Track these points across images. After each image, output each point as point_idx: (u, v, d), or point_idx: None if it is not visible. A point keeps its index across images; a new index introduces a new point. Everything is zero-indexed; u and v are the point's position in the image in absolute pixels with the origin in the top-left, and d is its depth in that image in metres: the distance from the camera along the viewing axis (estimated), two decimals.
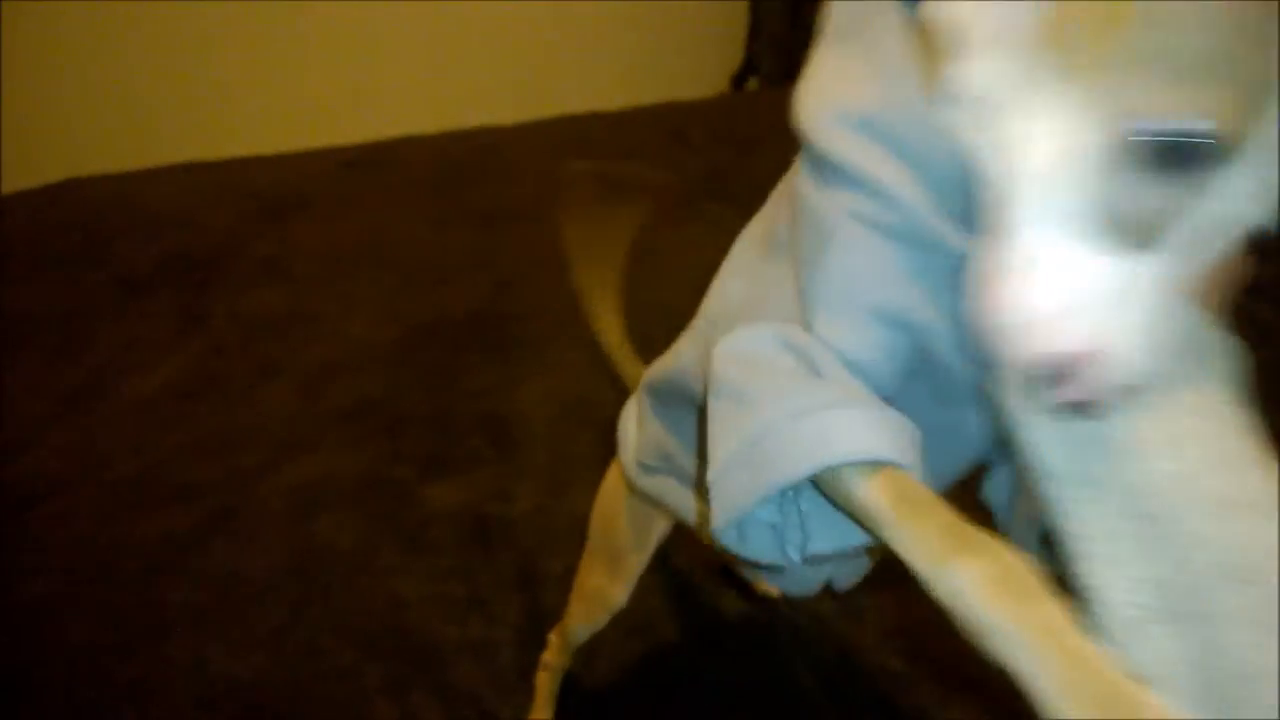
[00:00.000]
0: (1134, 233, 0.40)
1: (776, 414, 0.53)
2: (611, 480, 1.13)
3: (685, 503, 0.87)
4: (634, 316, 2.01)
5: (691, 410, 0.79)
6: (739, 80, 3.73)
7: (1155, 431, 0.44)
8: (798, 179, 0.61)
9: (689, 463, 0.84)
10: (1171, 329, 0.42)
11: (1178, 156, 0.38)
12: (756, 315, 0.62)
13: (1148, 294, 0.41)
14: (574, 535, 1.59)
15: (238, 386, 1.77)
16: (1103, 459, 0.44)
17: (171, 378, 1.80)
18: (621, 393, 1.84)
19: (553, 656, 1.28)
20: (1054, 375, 0.43)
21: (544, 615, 1.44)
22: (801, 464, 0.52)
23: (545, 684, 1.29)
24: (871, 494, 0.50)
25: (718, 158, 2.49)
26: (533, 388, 1.81)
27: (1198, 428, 0.44)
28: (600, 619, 1.13)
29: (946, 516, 0.48)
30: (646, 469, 0.93)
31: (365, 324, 1.92)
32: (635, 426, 1.00)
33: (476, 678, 1.36)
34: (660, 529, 1.04)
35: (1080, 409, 0.43)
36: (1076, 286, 0.41)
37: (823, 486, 0.54)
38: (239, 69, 3.00)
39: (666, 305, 1.89)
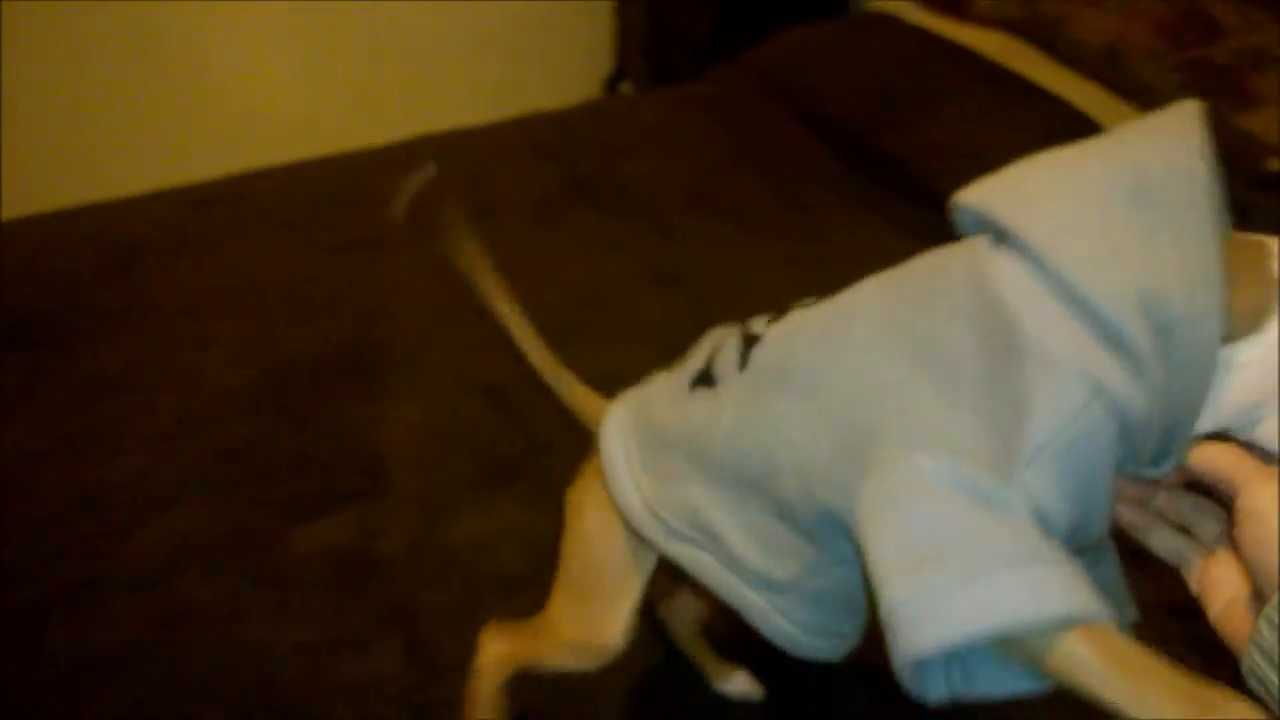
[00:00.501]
0: None
1: (975, 561, 0.57)
2: (591, 509, 1.01)
3: (724, 583, 0.83)
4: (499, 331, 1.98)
5: (770, 510, 0.79)
6: (612, 85, 3.73)
7: None
8: (1011, 305, 0.63)
9: (741, 551, 0.81)
10: None
11: None
12: (927, 441, 0.64)
13: None
14: (453, 565, 1.56)
15: (87, 448, 1.68)
16: None
17: (16, 442, 1.70)
18: (496, 407, 1.84)
19: (498, 667, 1.14)
20: None
21: (424, 648, 1.40)
22: (1004, 616, 0.55)
23: (488, 697, 1.15)
24: (1078, 650, 0.55)
25: (583, 166, 2.48)
26: (401, 417, 1.77)
27: None
28: (588, 665, 1.02)
29: (1165, 670, 0.53)
30: (673, 534, 0.87)
31: (223, 370, 1.85)
32: (635, 467, 0.93)
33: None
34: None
35: None
36: None
37: (1006, 639, 0.57)
38: (79, 110, 2.87)
39: (535, 318, 1.89)
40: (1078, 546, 0.65)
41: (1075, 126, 2.25)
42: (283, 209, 2.26)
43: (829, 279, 2.14)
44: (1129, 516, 0.65)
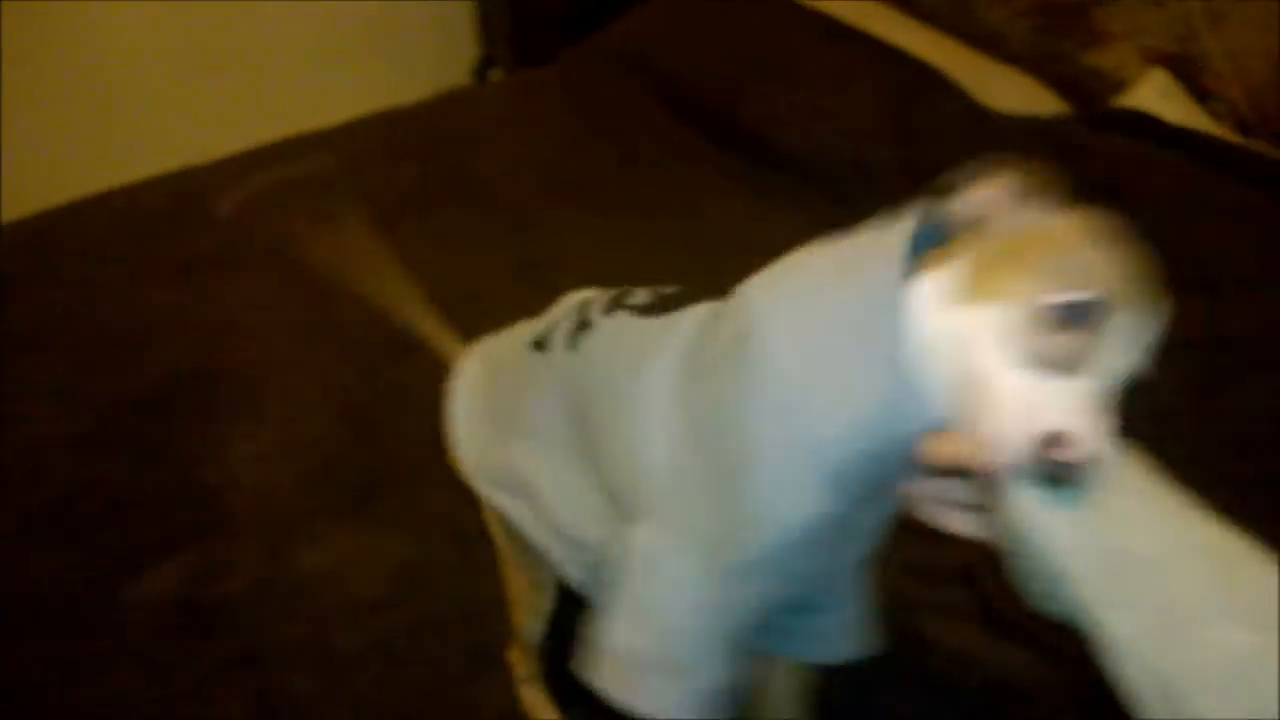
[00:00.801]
0: (1072, 366, 0.61)
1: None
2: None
3: (541, 538, 0.97)
4: (369, 327, 1.89)
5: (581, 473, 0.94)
6: (481, 72, 3.62)
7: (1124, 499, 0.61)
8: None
9: (552, 507, 0.95)
10: (1105, 425, 0.61)
11: (1077, 317, 0.61)
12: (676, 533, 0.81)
13: (1087, 402, 0.61)
14: (303, 596, 1.48)
15: None
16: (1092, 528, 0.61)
17: None
18: (350, 426, 1.74)
19: (523, 669, 1.25)
20: (1044, 448, 0.59)
21: (273, 693, 1.32)
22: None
23: (534, 697, 1.25)
24: None
25: (439, 161, 2.38)
26: (244, 447, 1.67)
27: (1149, 491, 0.62)
28: (543, 606, 1.13)
29: None
30: (499, 485, 1.02)
31: (50, 413, 1.73)
32: (475, 420, 1.09)
33: None
34: None
35: (1063, 476, 0.59)
36: (1042, 401, 0.61)
37: None
38: None
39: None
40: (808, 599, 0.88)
41: (928, 82, 2.24)
42: (115, 236, 2.12)
43: (695, 255, 2.10)
44: (928, 510, 0.72)
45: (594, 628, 0.86)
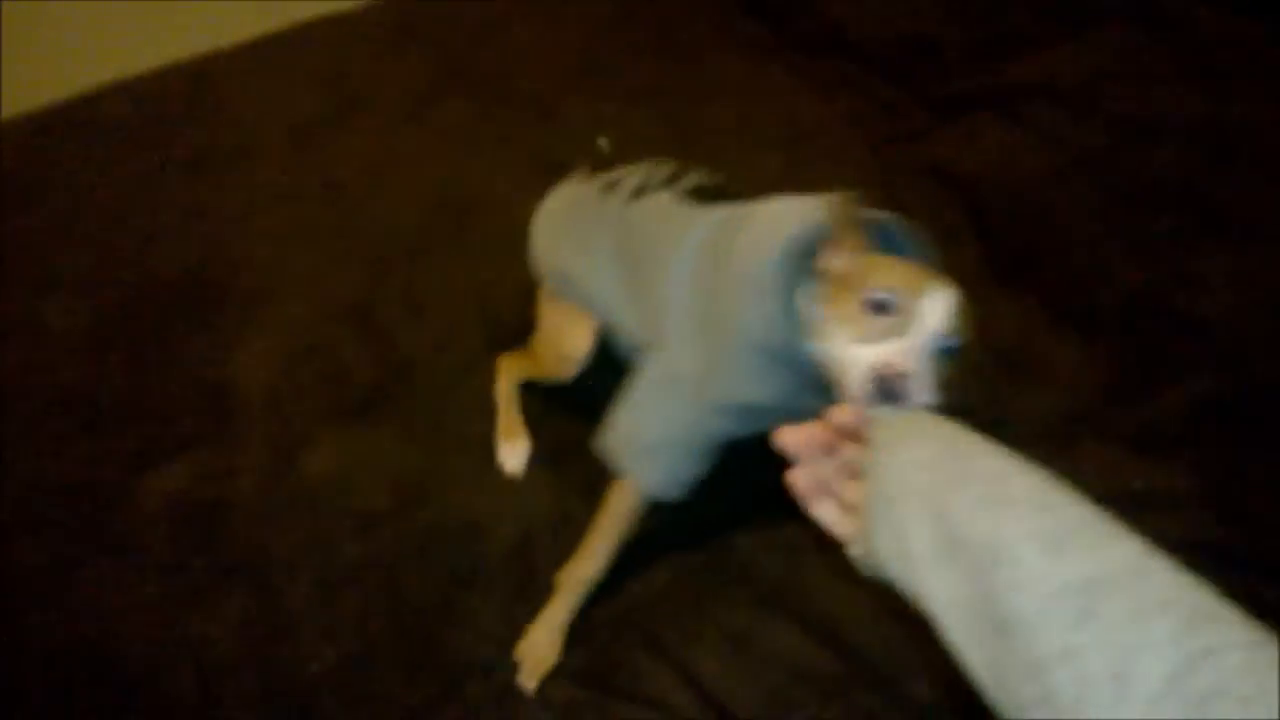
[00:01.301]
0: (890, 336, 0.86)
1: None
2: (550, 311, 1.41)
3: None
4: (385, 227, 1.81)
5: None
6: None
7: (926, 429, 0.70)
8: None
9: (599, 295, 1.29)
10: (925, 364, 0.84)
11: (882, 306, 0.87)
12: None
13: (912, 350, 0.84)
14: (306, 503, 1.45)
15: None
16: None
17: None
18: (358, 329, 1.68)
19: (507, 376, 1.52)
20: (876, 372, 0.82)
21: (273, 599, 1.31)
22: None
23: (509, 393, 1.51)
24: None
25: (456, 48, 2.26)
26: (252, 348, 1.63)
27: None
28: (567, 370, 1.39)
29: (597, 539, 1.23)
30: (559, 284, 1.37)
31: (62, 310, 1.71)
32: (545, 238, 1.41)
33: (190, 684, 1.23)
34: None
35: (896, 389, 0.80)
36: (873, 350, 0.85)
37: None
38: None
39: (399, 225, 1.64)
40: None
41: None
42: (127, 128, 2.06)
43: (722, 143, 1.93)
44: (803, 483, 0.73)
45: (610, 414, 1.18)
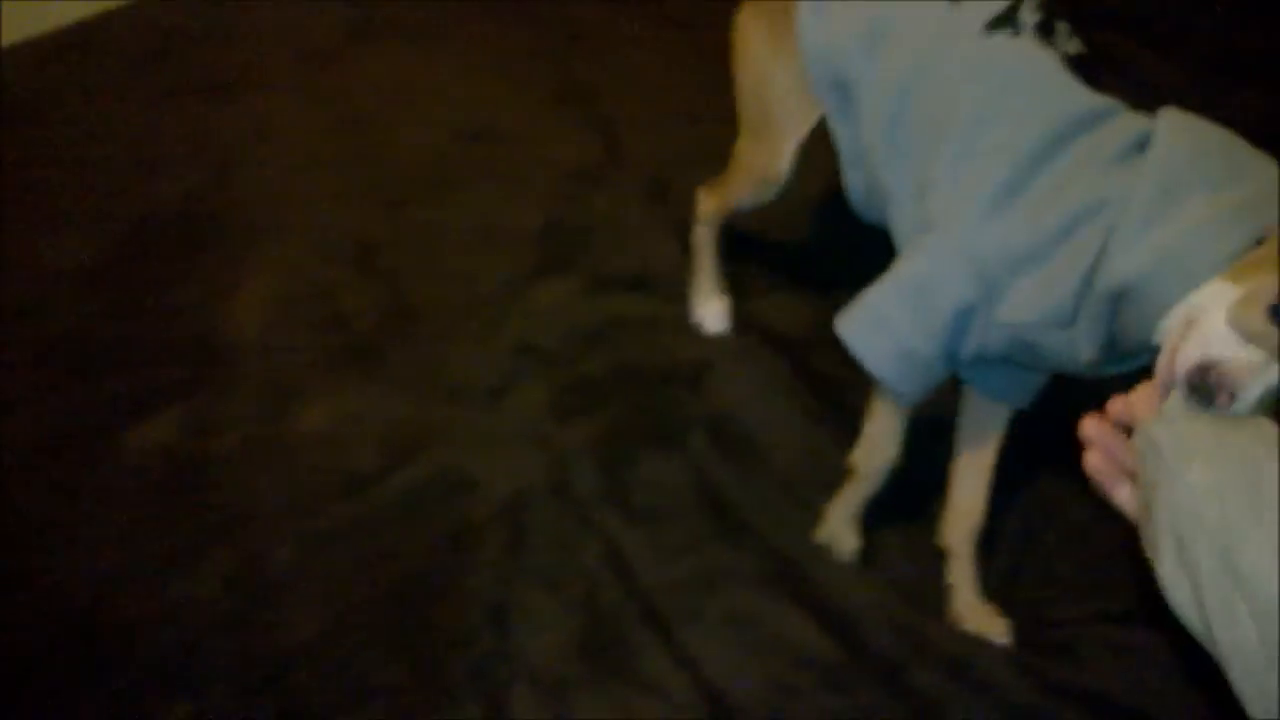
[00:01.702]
0: (1260, 348, 0.74)
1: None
2: (759, 44, 1.17)
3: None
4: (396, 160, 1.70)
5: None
6: None
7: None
8: None
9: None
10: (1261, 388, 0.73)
11: None
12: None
13: (1257, 367, 0.73)
14: (295, 460, 1.37)
15: None
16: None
17: None
18: (361, 270, 1.58)
19: (707, 217, 1.36)
20: (1203, 369, 0.72)
21: (255, 563, 1.23)
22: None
23: (706, 238, 1.38)
24: None
25: None
26: (248, 290, 1.54)
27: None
28: (764, 192, 1.25)
29: None
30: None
31: (58, 247, 1.63)
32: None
33: (170, 650, 1.17)
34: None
35: (1206, 395, 0.71)
36: (1224, 346, 0.75)
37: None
38: None
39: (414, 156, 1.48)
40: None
41: None
42: (136, 54, 1.96)
43: None
44: (1097, 464, 0.73)
45: (871, 294, 1.04)
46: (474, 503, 1.27)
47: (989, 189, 0.96)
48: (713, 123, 1.66)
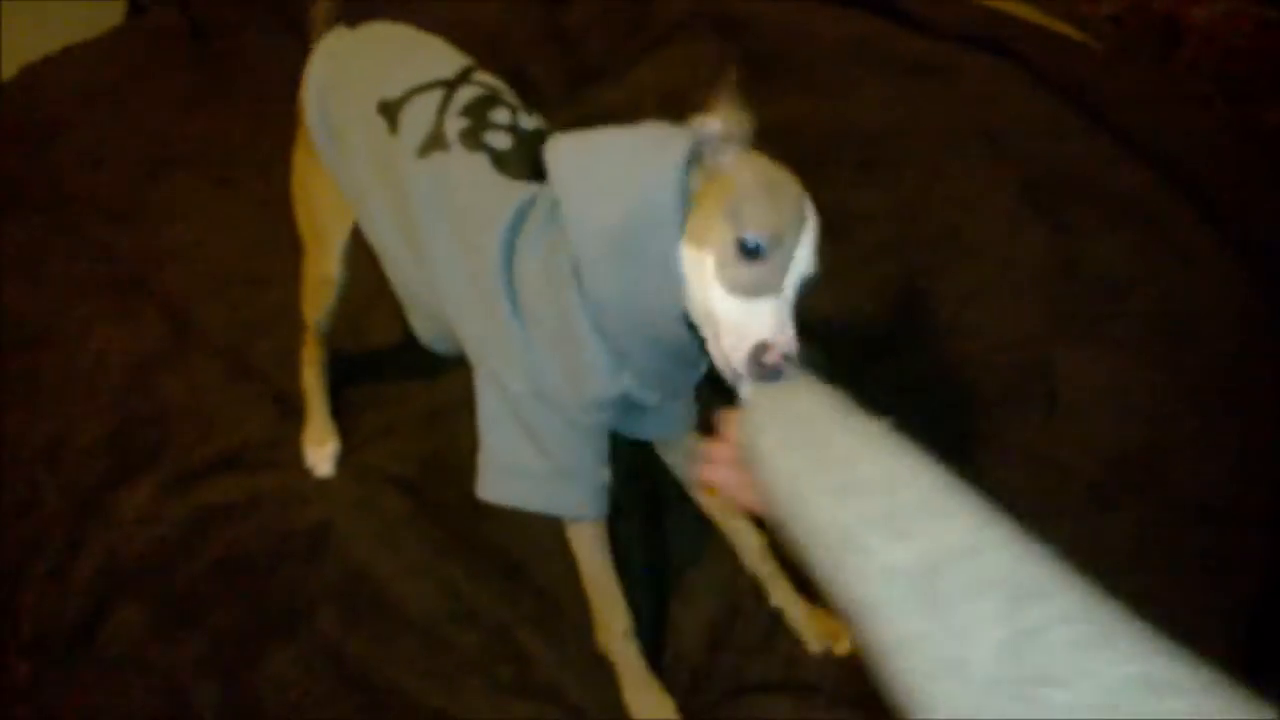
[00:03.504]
0: (763, 290, 0.82)
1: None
2: (302, 163, 1.23)
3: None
4: None
5: None
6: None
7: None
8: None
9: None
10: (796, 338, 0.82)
11: (758, 251, 0.81)
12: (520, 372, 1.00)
13: (781, 314, 0.82)
14: None
15: None
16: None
17: None
18: None
19: (309, 352, 1.38)
20: (754, 357, 0.80)
21: None
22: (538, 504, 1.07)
23: (312, 379, 1.39)
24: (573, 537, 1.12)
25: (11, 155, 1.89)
26: None
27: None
28: (328, 298, 1.30)
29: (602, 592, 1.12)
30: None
31: None
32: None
33: None
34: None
35: (772, 374, 0.79)
36: (748, 321, 0.81)
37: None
38: None
39: None
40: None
41: None
42: None
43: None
44: (721, 477, 0.80)
45: (484, 452, 1.06)
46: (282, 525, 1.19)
47: (490, 310, 0.99)
48: (286, 279, 1.61)
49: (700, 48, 2.01)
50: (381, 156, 1.06)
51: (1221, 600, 1.21)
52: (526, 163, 1.00)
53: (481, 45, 1.90)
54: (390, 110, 1.06)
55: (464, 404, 1.08)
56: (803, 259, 0.83)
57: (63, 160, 1.87)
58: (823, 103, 1.86)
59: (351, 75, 1.13)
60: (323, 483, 1.38)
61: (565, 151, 0.91)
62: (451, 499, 1.34)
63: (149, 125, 1.94)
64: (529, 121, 1.07)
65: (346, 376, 1.46)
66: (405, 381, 1.50)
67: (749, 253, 0.81)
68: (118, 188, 1.81)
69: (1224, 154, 1.82)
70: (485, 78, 1.11)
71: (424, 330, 1.20)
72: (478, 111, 1.05)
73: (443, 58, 1.12)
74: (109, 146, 1.89)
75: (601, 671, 1.16)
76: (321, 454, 1.38)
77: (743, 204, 0.82)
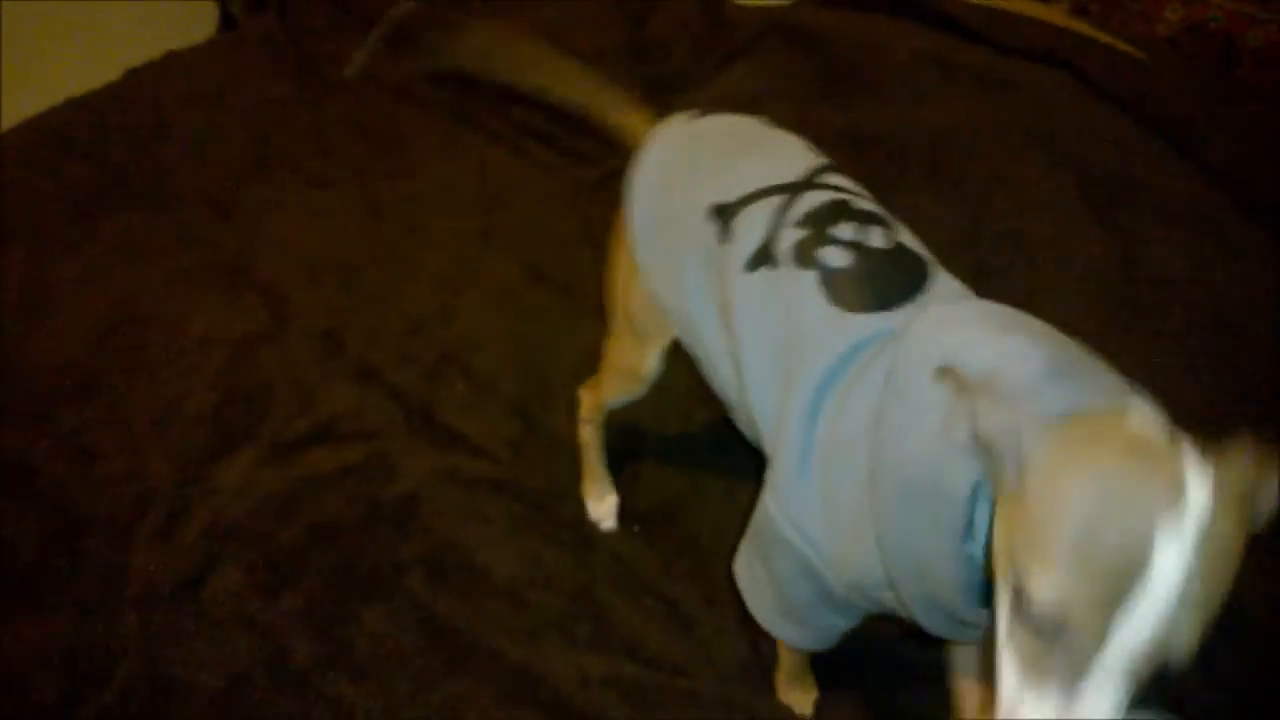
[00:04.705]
0: (1048, 674, 0.60)
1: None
2: (625, 262, 1.12)
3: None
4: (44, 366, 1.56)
5: None
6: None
7: None
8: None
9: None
10: None
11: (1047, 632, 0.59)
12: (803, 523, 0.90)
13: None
14: None
15: None
16: None
17: None
18: (14, 495, 1.41)
19: (588, 414, 1.34)
20: None
21: None
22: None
23: (589, 437, 1.36)
24: None
25: (116, 155, 2.02)
26: None
27: None
28: (633, 393, 1.24)
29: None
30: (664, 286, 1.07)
31: None
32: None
33: None
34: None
35: None
36: (1020, 697, 0.61)
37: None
38: None
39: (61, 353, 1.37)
40: None
41: None
42: None
43: (424, 220, 1.79)
44: None
45: (742, 555, 1.01)
46: (183, 706, 1.17)
47: (787, 450, 0.87)
48: (378, 267, 1.70)
49: (776, 59, 2.07)
50: (709, 265, 0.98)
51: (1274, 591, 1.23)
52: (864, 286, 0.87)
53: None
54: (724, 215, 0.97)
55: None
56: (1135, 638, 0.56)
57: (167, 157, 1.99)
58: (892, 111, 1.92)
59: (684, 173, 1.04)
60: (410, 455, 1.46)
61: (928, 339, 0.75)
62: (533, 478, 1.43)
63: (247, 126, 2.07)
64: (878, 237, 0.91)
65: None
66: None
67: (1034, 622, 0.59)
68: (219, 183, 1.93)
69: (1274, 157, 1.86)
70: (838, 179, 0.99)
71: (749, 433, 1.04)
72: (818, 222, 0.92)
73: (791, 156, 1.01)
74: (210, 145, 2.02)
75: (675, 622, 1.22)
76: (603, 509, 1.39)
77: (1029, 555, 0.60)
